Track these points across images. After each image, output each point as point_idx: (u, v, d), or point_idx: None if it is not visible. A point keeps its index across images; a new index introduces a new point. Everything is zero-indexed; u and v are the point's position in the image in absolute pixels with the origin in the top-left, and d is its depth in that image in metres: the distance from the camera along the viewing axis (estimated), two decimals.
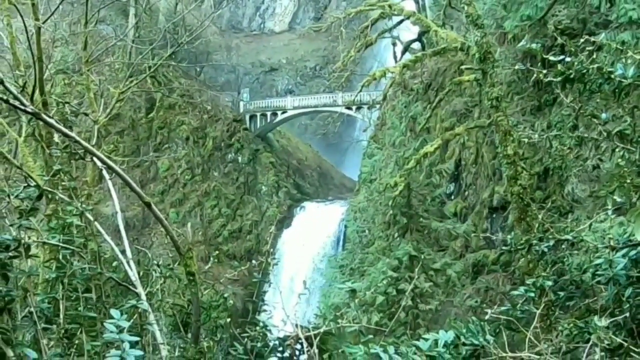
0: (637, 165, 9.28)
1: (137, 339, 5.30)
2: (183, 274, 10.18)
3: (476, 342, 7.06)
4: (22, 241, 5.97)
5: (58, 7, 30.53)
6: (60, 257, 7.71)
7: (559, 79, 9.68)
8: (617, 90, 8.85)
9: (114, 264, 9.05)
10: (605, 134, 10.06)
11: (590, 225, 11.99)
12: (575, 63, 9.33)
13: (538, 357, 7.77)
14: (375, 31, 57.23)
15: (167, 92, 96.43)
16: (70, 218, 8.16)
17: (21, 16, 25.41)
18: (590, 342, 7.60)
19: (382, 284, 48.23)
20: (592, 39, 10.45)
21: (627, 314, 8.00)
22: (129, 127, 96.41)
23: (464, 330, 7.12)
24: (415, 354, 6.27)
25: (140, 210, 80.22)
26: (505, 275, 45.64)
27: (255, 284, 10.71)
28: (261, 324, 8.36)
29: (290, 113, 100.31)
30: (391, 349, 5.47)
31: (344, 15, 61.82)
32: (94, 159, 9.08)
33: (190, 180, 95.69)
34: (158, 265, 10.65)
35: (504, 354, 7.34)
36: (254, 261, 11.54)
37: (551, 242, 10.20)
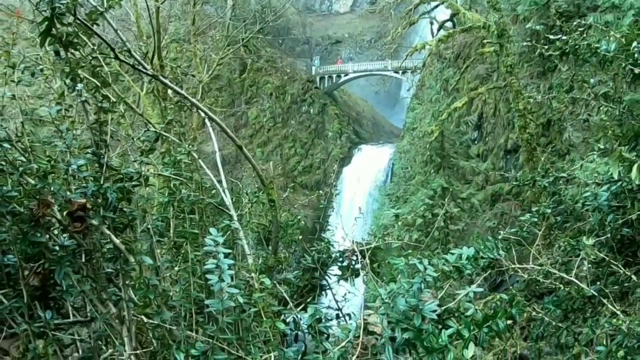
0: (617, 120, 9.34)
1: (230, 250, 5.37)
2: (266, 200, 10.29)
3: (492, 256, 7.18)
4: (142, 173, 6.03)
5: None
6: (172, 185, 7.81)
7: (557, 53, 9.76)
8: (602, 61, 8.90)
9: (213, 191, 9.12)
10: (593, 95, 10.12)
11: (581, 166, 12.19)
12: (569, 41, 9.39)
13: (540, 267, 8.00)
14: (417, 13, 56.94)
15: (256, 58, 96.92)
16: (180, 156, 8.27)
17: None
18: (580, 257, 7.73)
19: (421, 209, 48.75)
20: (583, 22, 10.53)
21: (609, 235, 8.24)
22: (226, 85, 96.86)
23: (482, 247, 7.20)
24: (444, 264, 6.32)
25: (234, 149, 79.83)
26: (517, 202, 45.70)
27: (321, 209, 10.84)
28: (326, 240, 8.46)
29: (351, 76, 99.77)
30: (425, 261, 5.49)
31: (393, 0, 62.18)
32: (198, 110, 9.16)
33: (273, 127, 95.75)
34: (247, 193, 10.76)
35: (513, 265, 7.47)
36: (320, 191, 11.66)
37: (551, 179, 10.28)
